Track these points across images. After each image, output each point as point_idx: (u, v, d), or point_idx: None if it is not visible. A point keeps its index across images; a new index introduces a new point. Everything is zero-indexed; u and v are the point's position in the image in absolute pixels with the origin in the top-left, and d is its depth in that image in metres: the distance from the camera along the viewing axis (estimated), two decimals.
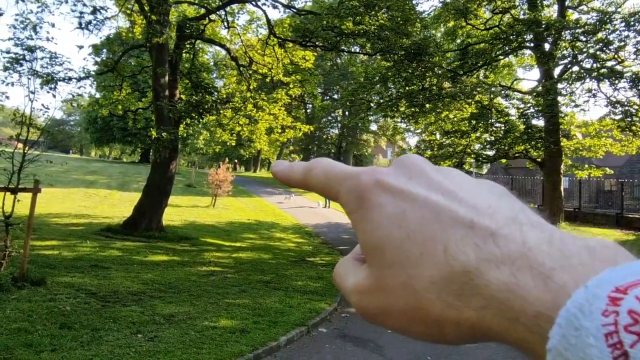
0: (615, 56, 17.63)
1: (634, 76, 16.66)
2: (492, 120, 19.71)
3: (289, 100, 22.20)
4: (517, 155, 20.49)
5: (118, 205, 21.77)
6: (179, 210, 21.84)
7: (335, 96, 46.59)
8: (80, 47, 16.28)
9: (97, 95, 24.94)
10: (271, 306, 8.87)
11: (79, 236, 14.07)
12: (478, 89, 19.03)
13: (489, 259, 0.31)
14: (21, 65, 14.70)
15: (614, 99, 17.69)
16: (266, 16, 18.78)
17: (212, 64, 37.26)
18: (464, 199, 0.34)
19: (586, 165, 21.93)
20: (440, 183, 0.36)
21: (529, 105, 19.37)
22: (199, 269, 11.74)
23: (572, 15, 20.32)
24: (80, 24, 15.70)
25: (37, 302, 7.41)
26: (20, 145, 9.24)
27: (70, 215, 18.02)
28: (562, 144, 19.62)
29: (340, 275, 0.40)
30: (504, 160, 23.74)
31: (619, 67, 17.44)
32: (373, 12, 16.17)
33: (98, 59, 26.73)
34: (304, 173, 0.43)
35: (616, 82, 17.24)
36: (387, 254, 0.34)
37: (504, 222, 0.32)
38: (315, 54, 22.56)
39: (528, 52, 23.19)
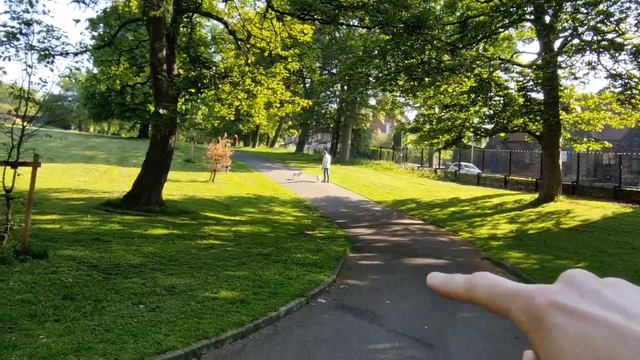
0: (616, 28, 17.44)
1: (634, 49, 16.54)
2: (491, 94, 19.60)
3: (288, 75, 22.09)
4: (515, 128, 20.43)
5: (117, 180, 21.82)
6: (179, 185, 21.91)
7: (334, 70, 46.23)
8: (77, 21, 16.27)
9: (95, 70, 24.79)
10: (271, 278, 8.99)
11: (79, 210, 14.15)
12: (477, 62, 18.93)
13: None
14: (18, 39, 14.64)
15: (614, 72, 17.56)
16: None
17: (209, 38, 36.98)
18: None
19: (585, 139, 21.92)
20: (613, 301, 0.36)
21: (528, 78, 19.23)
22: (199, 242, 11.85)
23: None
24: None
25: (40, 274, 7.51)
26: (18, 120, 9.25)
27: (70, 190, 18.08)
28: (561, 117, 19.53)
29: None
30: (502, 134, 23.71)
31: (619, 40, 17.27)
32: None
33: (95, 33, 26.45)
34: (467, 288, 0.43)
35: (616, 54, 17.12)
36: None
37: None
38: (314, 27, 22.36)
39: (528, 24, 22.95)
